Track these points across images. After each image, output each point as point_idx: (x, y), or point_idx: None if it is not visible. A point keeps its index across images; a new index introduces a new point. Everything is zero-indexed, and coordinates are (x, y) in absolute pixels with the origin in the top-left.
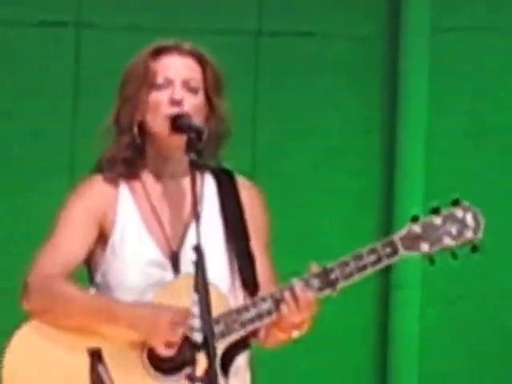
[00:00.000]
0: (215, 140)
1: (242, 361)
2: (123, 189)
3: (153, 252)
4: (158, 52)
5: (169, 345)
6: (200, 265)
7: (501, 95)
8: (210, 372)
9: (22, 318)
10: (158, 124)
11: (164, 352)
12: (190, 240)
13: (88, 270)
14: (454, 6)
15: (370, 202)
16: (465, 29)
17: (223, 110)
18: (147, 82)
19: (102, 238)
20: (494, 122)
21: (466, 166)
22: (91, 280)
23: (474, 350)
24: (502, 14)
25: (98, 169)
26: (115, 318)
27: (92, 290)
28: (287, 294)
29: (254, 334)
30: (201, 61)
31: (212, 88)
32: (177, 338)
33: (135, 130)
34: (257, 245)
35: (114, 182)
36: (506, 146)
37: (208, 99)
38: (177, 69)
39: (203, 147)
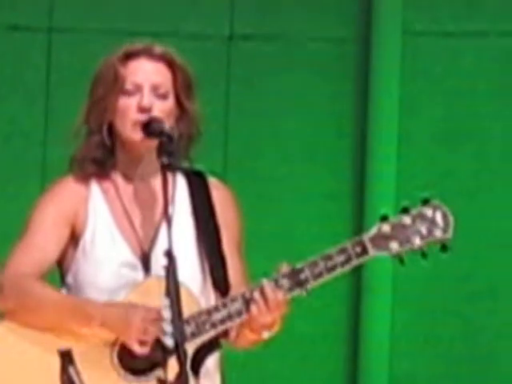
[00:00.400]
0: (186, 141)
1: (212, 362)
2: (94, 189)
3: (125, 253)
4: (128, 56)
5: (142, 343)
6: (171, 270)
7: (471, 98)
8: (181, 377)
9: None
10: (128, 129)
11: (138, 350)
12: (161, 241)
13: (59, 271)
14: (425, 10)
15: (341, 203)
16: (436, 33)
17: (194, 112)
18: (116, 86)
19: (74, 238)
20: (465, 124)
21: (437, 167)
22: (62, 281)
23: (444, 352)
24: (471, 19)
25: (70, 169)
26: (88, 317)
27: (63, 291)
28: (257, 294)
29: (225, 334)
30: (171, 64)
31: (182, 91)
32: (150, 335)
33: (105, 131)
34: (228, 245)
35: (85, 181)
36: (476, 147)
37: (178, 102)
38: (146, 74)
39: (175, 149)
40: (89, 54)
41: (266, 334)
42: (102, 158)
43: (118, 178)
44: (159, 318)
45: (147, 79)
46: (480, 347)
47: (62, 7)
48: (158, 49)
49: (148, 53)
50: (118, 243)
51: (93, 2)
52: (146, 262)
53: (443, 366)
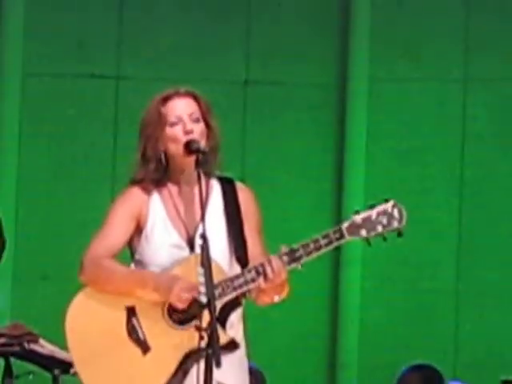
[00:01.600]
0: (215, 150)
1: (235, 316)
2: (154, 194)
3: (175, 238)
4: (165, 99)
5: (181, 301)
6: (205, 247)
7: (417, 126)
8: (211, 324)
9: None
10: (178, 150)
11: (178, 305)
12: (201, 228)
13: (130, 252)
14: (384, 63)
15: (324, 202)
16: (394, 79)
17: (216, 128)
18: (161, 123)
19: (139, 228)
20: (415, 145)
21: (395, 176)
22: (132, 258)
23: (398, 307)
24: (417, 69)
25: (133, 183)
26: (145, 283)
27: (132, 265)
28: (265, 264)
29: (244, 295)
30: (195, 97)
31: (206, 114)
32: (186, 298)
33: (162, 156)
34: (250, 231)
35: (147, 189)
36: (422, 162)
37: (205, 122)
38: (181, 108)
39: (207, 161)
40: (147, 96)
41: (276, 298)
42: (159, 178)
43: (170, 185)
44: (193, 288)
45: (184, 111)
46: (424, 303)
47: (127, 61)
48: (183, 89)
49: (177, 93)
50: (170, 231)
51: (147, 56)
52: (190, 243)
53: (397, 317)
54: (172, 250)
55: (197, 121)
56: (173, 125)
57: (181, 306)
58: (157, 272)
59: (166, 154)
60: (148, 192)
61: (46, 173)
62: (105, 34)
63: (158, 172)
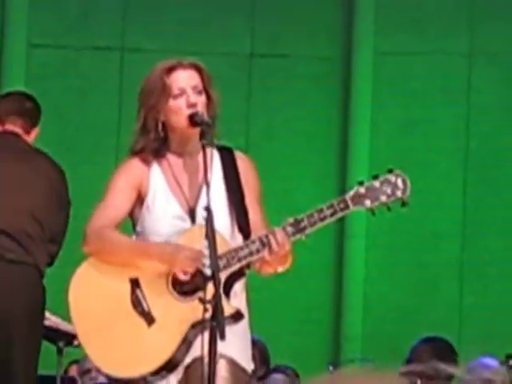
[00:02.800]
0: (214, 119)
1: (239, 286)
2: (154, 164)
3: (176, 209)
4: (170, 70)
5: (185, 272)
6: (209, 220)
7: (422, 98)
8: (216, 296)
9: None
10: (181, 121)
11: (182, 277)
12: (202, 199)
13: (131, 222)
14: (389, 36)
15: (330, 172)
16: (399, 52)
17: (216, 98)
18: (165, 94)
19: (140, 199)
20: (420, 117)
21: (399, 147)
22: (133, 229)
23: (401, 279)
24: (422, 42)
25: (132, 154)
26: (149, 253)
27: (134, 236)
28: (270, 236)
29: (248, 266)
30: (198, 69)
31: (208, 85)
32: (191, 267)
33: (160, 127)
34: (250, 200)
35: (146, 160)
36: (426, 133)
37: (206, 93)
38: (185, 80)
39: (211, 133)
40: (150, 67)
41: (280, 269)
42: (158, 148)
43: (170, 156)
44: (197, 257)
45: (187, 83)
46: (428, 274)
47: (132, 32)
48: (186, 61)
49: (181, 65)
50: (171, 202)
51: (153, 28)
52: (192, 214)
53: (402, 289)
54: (173, 221)
55: (200, 93)
56: (176, 97)
57: (183, 277)
58: (160, 242)
59: (165, 125)
60: (148, 163)
61: (51, 144)
62: (110, 5)
63: (157, 142)
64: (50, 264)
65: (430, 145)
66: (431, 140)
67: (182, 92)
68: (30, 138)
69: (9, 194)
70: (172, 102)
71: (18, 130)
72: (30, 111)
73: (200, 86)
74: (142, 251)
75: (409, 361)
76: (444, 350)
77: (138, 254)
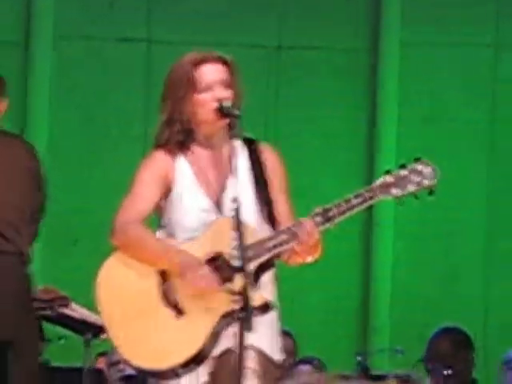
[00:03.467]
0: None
1: (268, 277)
2: (179, 157)
3: (203, 201)
4: (197, 63)
5: (194, 286)
6: (237, 211)
7: (451, 89)
8: (244, 288)
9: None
10: (207, 114)
11: (190, 289)
12: (229, 191)
13: (158, 215)
14: (416, 27)
15: (357, 165)
16: (426, 43)
17: (240, 92)
18: (192, 87)
19: (166, 192)
20: (446, 108)
21: (426, 139)
22: (159, 222)
23: (427, 267)
24: (448, 34)
25: (156, 148)
26: (167, 256)
27: (160, 230)
28: (297, 225)
29: (277, 256)
30: (225, 63)
31: (234, 79)
32: (197, 289)
33: (185, 120)
34: (277, 191)
35: (172, 152)
36: (451, 125)
37: (232, 88)
38: (213, 74)
39: (238, 125)
40: (177, 58)
41: (309, 258)
42: (182, 140)
43: (196, 148)
44: (212, 279)
45: (215, 77)
46: (454, 264)
47: (159, 24)
48: (215, 54)
49: (210, 58)
50: (198, 194)
51: (179, 20)
52: (218, 206)
53: (428, 278)
54: (200, 214)
55: (227, 87)
56: (204, 91)
57: (191, 290)
58: (184, 250)
59: (191, 117)
60: (173, 155)
61: (77, 136)
62: None
63: (182, 134)
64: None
65: (456, 138)
66: (458, 133)
67: (210, 86)
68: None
69: None
70: (199, 96)
71: None
72: None
73: (228, 80)
74: (163, 252)
75: (427, 351)
76: (460, 341)
77: (159, 255)
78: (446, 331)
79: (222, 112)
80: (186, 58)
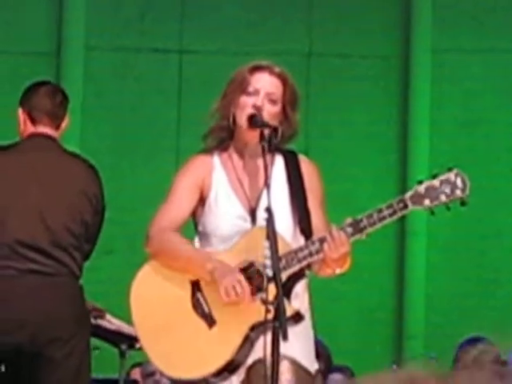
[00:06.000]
0: (286, 140)
1: (300, 287)
2: (216, 162)
3: (238, 209)
4: (255, 69)
5: (227, 294)
6: (270, 221)
7: (481, 97)
8: (277, 297)
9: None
10: (243, 119)
11: (224, 297)
12: (264, 200)
13: (193, 222)
14: (447, 33)
15: (390, 171)
16: (457, 50)
17: (295, 120)
18: (241, 88)
19: (202, 198)
20: (479, 115)
21: (459, 145)
22: (195, 228)
23: (463, 277)
24: (481, 39)
25: (203, 142)
26: (202, 266)
27: (196, 237)
28: (328, 236)
29: (309, 267)
30: (284, 82)
31: (288, 103)
32: (231, 296)
33: (231, 118)
34: (313, 203)
35: (209, 158)
36: (487, 131)
37: (284, 110)
38: (265, 83)
39: (272, 136)
40: (210, 69)
41: (338, 270)
42: (223, 137)
43: (233, 154)
44: (246, 286)
45: (264, 87)
46: (489, 272)
47: (190, 34)
48: (278, 69)
49: (270, 70)
50: (233, 202)
51: (210, 29)
52: (253, 215)
53: (462, 286)
54: (235, 222)
55: (273, 102)
56: (248, 94)
57: (224, 297)
58: (218, 260)
59: (234, 119)
60: (211, 162)
61: (110, 146)
62: (167, 6)
63: (225, 131)
64: (85, 259)
65: (490, 143)
66: (491, 138)
67: (256, 92)
68: (61, 129)
69: (42, 210)
70: (243, 98)
71: (49, 131)
72: (61, 106)
73: (277, 96)
74: (198, 261)
75: (456, 361)
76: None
77: (194, 265)
78: (472, 341)
79: (252, 120)
80: (250, 62)
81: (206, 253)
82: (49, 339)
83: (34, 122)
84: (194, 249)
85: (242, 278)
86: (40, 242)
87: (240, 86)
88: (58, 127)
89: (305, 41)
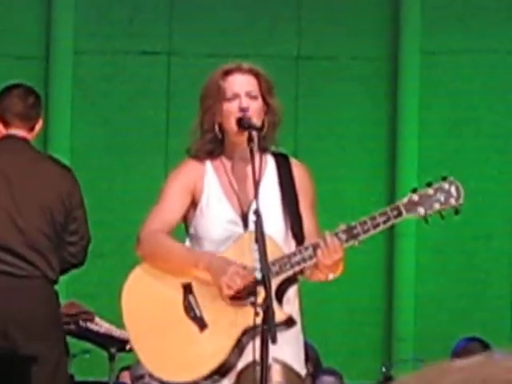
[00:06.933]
0: (272, 128)
1: (292, 292)
2: (208, 167)
3: (229, 213)
4: (226, 73)
5: (229, 287)
6: (258, 224)
7: (469, 97)
8: (266, 300)
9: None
10: (231, 125)
11: (225, 291)
12: (254, 204)
13: (185, 226)
14: (436, 35)
15: (378, 173)
16: (446, 51)
17: (275, 106)
18: (220, 96)
19: (194, 202)
20: (468, 116)
21: (448, 147)
22: (187, 232)
23: (453, 278)
24: (468, 40)
25: (189, 155)
26: (197, 263)
27: (187, 240)
28: (321, 242)
29: (301, 272)
30: (256, 75)
31: (266, 93)
32: (236, 284)
33: (217, 129)
34: (304, 207)
35: (201, 162)
36: (476, 132)
37: (264, 101)
38: (240, 84)
39: (264, 136)
40: (198, 71)
41: (330, 276)
42: (212, 149)
43: (224, 159)
44: (245, 274)
45: (242, 88)
46: (479, 274)
47: (178, 36)
48: (246, 65)
49: (239, 69)
50: (224, 206)
51: (198, 31)
52: (244, 219)
53: (452, 288)
54: (227, 226)
55: (254, 98)
56: (229, 100)
57: (227, 292)
58: (211, 253)
59: (221, 128)
60: (202, 166)
61: (99, 149)
62: (155, 9)
63: (212, 144)
64: (79, 264)
65: (479, 144)
66: (480, 139)
67: (236, 96)
68: (35, 131)
69: (12, 212)
70: (225, 106)
71: (23, 133)
72: (34, 107)
73: (255, 92)
74: (191, 261)
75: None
76: (481, 351)
77: (187, 262)
78: (467, 341)
79: (241, 123)
80: (218, 68)
81: (199, 251)
82: (18, 344)
83: (6, 124)
84: (186, 248)
85: (237, 266)
86: (12, 243)
87: (218, 95)
88: (31, 129)
89: (294, 42)
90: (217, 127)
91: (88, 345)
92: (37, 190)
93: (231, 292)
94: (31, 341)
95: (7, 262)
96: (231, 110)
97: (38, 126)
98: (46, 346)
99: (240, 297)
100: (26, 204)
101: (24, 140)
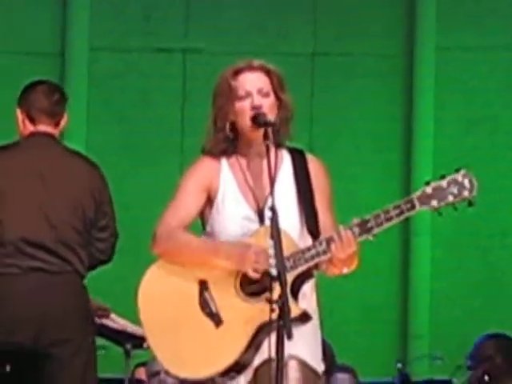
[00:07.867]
0: (286, 123)
1: (308, 287)
2: (224, 164)
3: (245, 209)
4: (236, 72)
5: (255, 270)
6: (274, 219)
7: (485, 95)
8: (282, 296)
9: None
10: (245, 123)
11: (252, 274)
12: (271, 201)
13: (201, 223)
14: (452, 31)
15: (393, 170)
16: (462, 47)
17: (287, 100)
18: (232, 95)
19: (210, 199)
20: (483, 113)
21: (463, 144)
22: (203, 229)
23: (468, 275)
24: (485, 37)
25: (204, 153)
26: (218, 253)
27: (203, 237)
28: (335, 236)
29: (316, 267)
30: (266, 71)
31: (278, 88)
32: (261, 265)
33: (228, 128)
34: (321, 202)
35: (216, 160)
36: (491, 129)
37: (276, 97)
38: (251, 82)
39: (278, 131)
40: (214, 69)
41: (345, 270)
42: (225, 148)
43: (239, 157)
44: (267, 253)
45: (253, 86)
46: (494, 271)
47: (194, 34)
48: (256, 62)
49: (249, 67)
50: (240, 203)
51: (214, 29)
52: (260, 215)
53: (467, 285)
54: (242, 222)
55: (266, 95)
56: (241, 99)
57: (254, 275)
58: (229, 241)
59: (234, 126)
60: (218, 163)
61: (115, 146)
62: (171, 7)
63: (226, 142)
64: (107, 260)
65: (494, 141)
66: (496, 136)
67: (248, 94)
68: (60, 127)
69: (46, 208)
70: (238, 104)
71: (49, 129)
72: (58, 104)
73: (267, 88)
74: (211, 251)
75: (472, 357)
76: (507, 348)
77: (207, 254)
78: (492, 337)
79: (256, 120)
80: (228, 67)
81: (217, 241)
82: (54, 338)
83: (32, 121)
84: (203, 240)
85: (256, 248)
86: (45, 239)
87: (230, 95)
88: (56, 125)
89: (309, 40)
90: (227, 127)
91: (103, 341)
92: (68, 185)
93: (258, 275)
94: (66, 334)
95: (40, 258)
96: (244, 108)
97: (64, 122)
98: (76, 344)
99: (256, 293)
100: (58, 200)
101: (51, 136)
